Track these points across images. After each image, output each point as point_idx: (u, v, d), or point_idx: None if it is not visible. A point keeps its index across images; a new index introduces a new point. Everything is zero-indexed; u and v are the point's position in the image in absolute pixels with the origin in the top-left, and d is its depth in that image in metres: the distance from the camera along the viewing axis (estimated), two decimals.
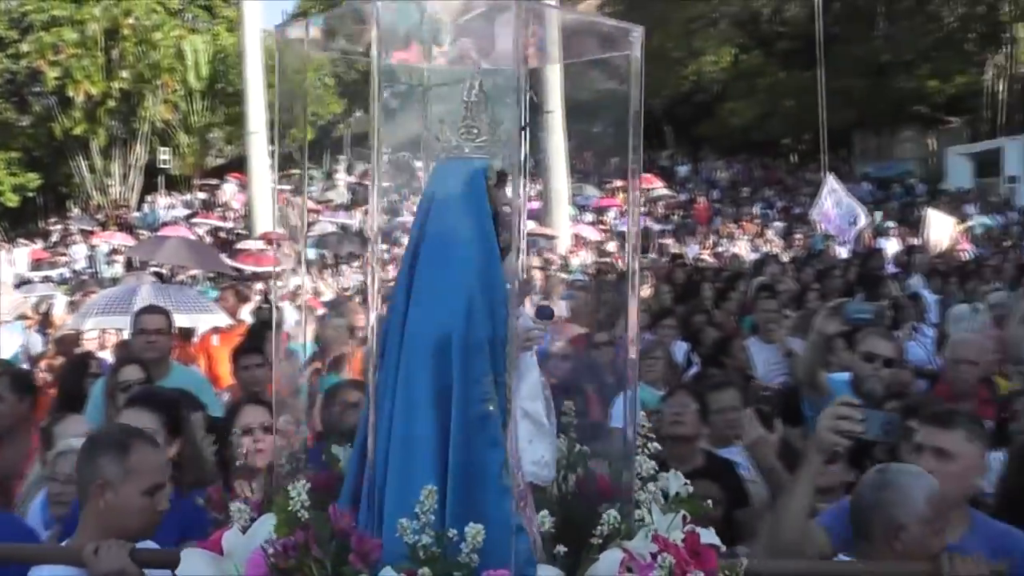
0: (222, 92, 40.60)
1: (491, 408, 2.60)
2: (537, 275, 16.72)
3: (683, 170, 43.52)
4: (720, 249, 25.24)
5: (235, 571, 2.64)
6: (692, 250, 26.16)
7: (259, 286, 16.10)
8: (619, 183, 38.66)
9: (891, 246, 21.87)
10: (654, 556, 2.71)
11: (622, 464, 2.97)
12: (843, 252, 20.53)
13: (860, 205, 22.34)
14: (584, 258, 24.02)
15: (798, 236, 26.37)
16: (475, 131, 2.70)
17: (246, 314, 12.19)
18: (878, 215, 28.61)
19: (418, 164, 3.09)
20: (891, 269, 17.33)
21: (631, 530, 2.77)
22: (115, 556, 3.37)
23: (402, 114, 3.04)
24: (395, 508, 2.53)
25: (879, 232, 24.59)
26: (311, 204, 34.41)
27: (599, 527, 2.68)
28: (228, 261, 19.99)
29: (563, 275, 17.64)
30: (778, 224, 31.17)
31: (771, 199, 38.24)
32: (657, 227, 31.08)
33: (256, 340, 8.36)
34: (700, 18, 43.99)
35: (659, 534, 2.84)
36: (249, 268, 19.30)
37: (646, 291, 13.15)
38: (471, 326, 2.60)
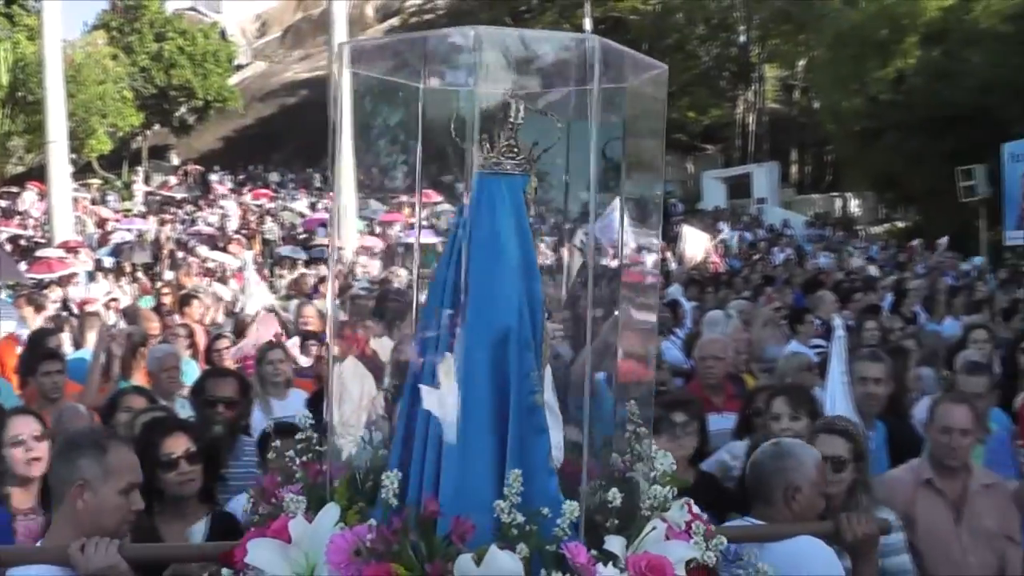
0: (22, 100, 39.51)
1: (537, 399, 2.68)
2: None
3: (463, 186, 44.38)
4: None
5: (304, 559, 2.62)
6: None
7: (56, 294, 15.65)
8: (404, 198, 39.90)
9: (649, 259, 23.29)
10: (688, 525, 2.86)
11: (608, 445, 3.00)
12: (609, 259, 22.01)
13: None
14: (370, 268, 24.45)
15: (566, 249, 27.71)
16: (516, 150, 2.77)
17: (40, 322, 11.69)
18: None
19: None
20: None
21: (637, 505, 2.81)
22: (104, 553, 3.27)
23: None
24: (454, 489, 2.60)
25: (642, 247, 25.92)
26: (109, 213, 34.52)
27: (647, 500, 2.78)
28: (24, 269, 19.25)
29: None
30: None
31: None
32: (439, 240, 31.64)
33: (42, 347, 8.29)
34: None
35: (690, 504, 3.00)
36: (45, 276, 18.71)
37: (424, 298, 13.70)
38: (522, 326, 2.70)
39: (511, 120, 2.79)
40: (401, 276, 19.44)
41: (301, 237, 30.78)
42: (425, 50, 3.06)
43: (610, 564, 2.56)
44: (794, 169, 50.04)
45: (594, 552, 2.55)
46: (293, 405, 7.40)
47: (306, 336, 9.80)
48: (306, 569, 2.60)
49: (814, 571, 3.56)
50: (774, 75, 50.88)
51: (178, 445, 4.53)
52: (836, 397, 5.85)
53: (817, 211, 41.15)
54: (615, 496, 2.66)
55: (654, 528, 2.73)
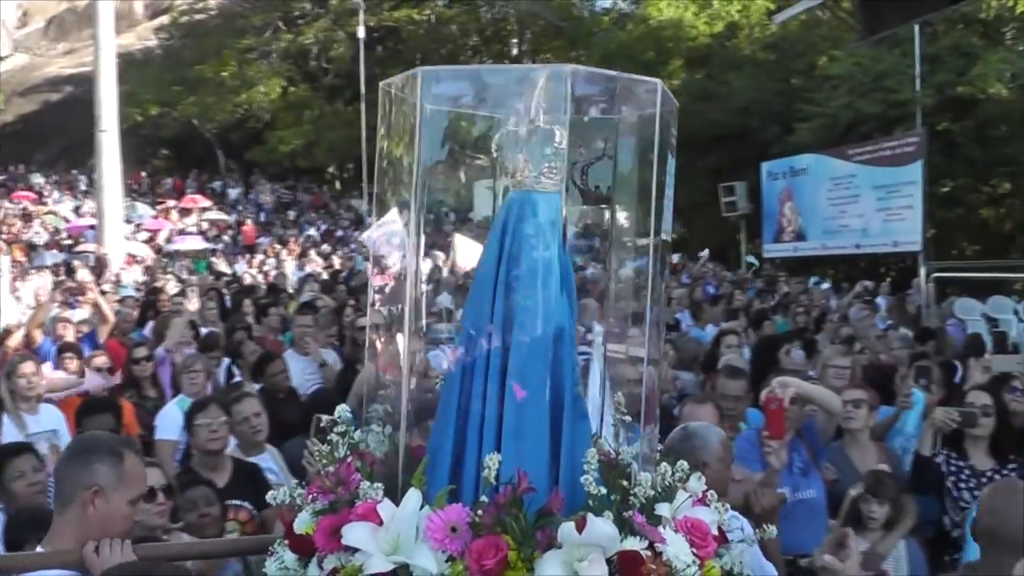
0: None
1: (580, 389, 3.05)
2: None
3: (234, 193, 43.84)
4: (266, 268, 25.77)
5: (394, 539, 2.77)
6: (240, 268, 26.60)
7: None
8: (171, 203, 39.05)
9: (424, 267, 23.48)
10: (704, 494, 3.13)
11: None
12: (389, 270, 22.01)
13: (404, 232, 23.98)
14: (136, 274, 24.02)
15: (338, 257, 27.59)
16: (555, 170, 3.01)
17: None
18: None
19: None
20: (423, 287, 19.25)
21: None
22: (120, 554, 3.30)
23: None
24: (514, 468, 2.79)
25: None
26: None
27: (676, 473, 3.06)
28: None
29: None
30: (324, 246, 32.21)
31: (316, 222, 39.45)
32: (209, 246, 31.54)
33: None
34: (253, 50, 44.57)
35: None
36: None
37: (194, 305, 13.49)
38: (571, 324, 3.05)
39: (556, 144, 3.01)
40: (170, 281, 19.22)
41: (66, 243, 29.78)
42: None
43: (666, 527, 2.87)
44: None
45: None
46: (46, 420, 7.20)
47: (63, 348, 9.39)
48: (392, 548, 2.75)
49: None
50: (541, 85, 51.54)
51: None
52: (596, 401, 5.99)
53: (587, 222, 42.13)
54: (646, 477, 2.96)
55: (688, 497, 3.03)
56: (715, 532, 3.01)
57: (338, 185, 50.80)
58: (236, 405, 6.54)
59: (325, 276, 22.02)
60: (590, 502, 2.76)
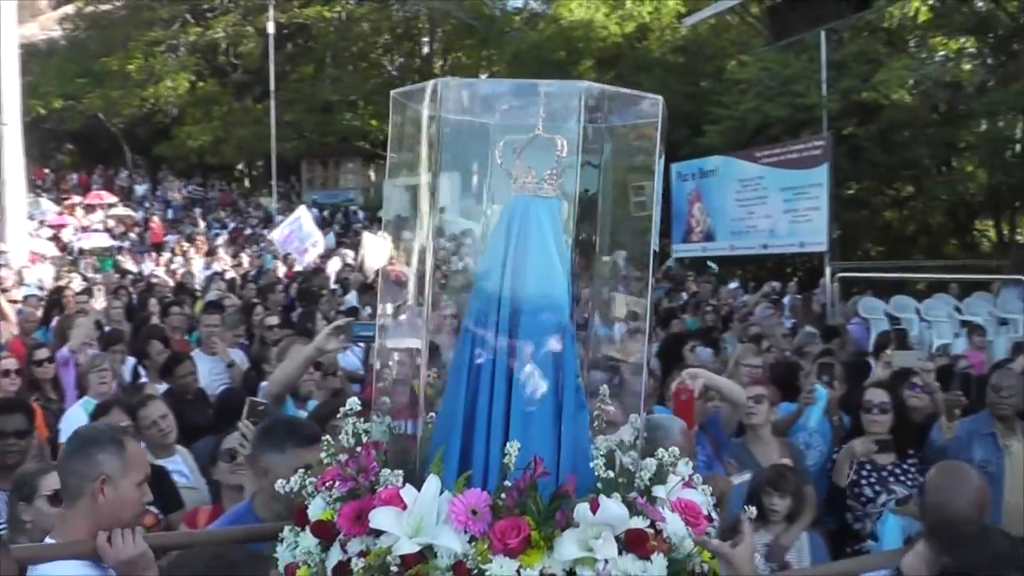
0: None
1: (580, 381, 3.29)
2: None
3: (141, 189, 43.18)
4: (174, 266, 25.22)
5: (417, 521, 2.95)
6: (147, 267, 26.23)
7: None
8: (76, 199, 38.31)
9: (333, 265, 23.28)
10: (690, 477, 3.43)
11: None
12: (297, 267, 21.98)
13: (318, 231, 24.01)
14: (40, 272, 23.56)
15: (247, 255, 27.21)
16: (556, 176, 3.25)
17: None
18: (330, 238, 30.24)
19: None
20: (332, 286, 19.07)
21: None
22: (132, 542, 3.42)
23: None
24: (523, 454, 3.02)
25: (326, 255, 25.76)
26: None
27: (667, 457, 3.32)
28: None
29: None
30: (236, 244, 31.65)
31: (224, 220, 38.91)
32: (115, 244, 31.03)
33: None
34: (160, 43, 43.86)
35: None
36: None
37: (100, 304, 13.26)
38: (572, 322, 3.30)
39: (558, 152, 3.26)
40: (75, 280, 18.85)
41: None
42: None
43: (664, 507, 3.14)
44: (475, 180, 51.05)
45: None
46: None
47: None
48: (415, 531, 2.95)
49: None
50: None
51: None
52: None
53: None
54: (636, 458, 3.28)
55: (679, 480, 3.32)
56: (706, 512, 3.29)
57: (247, 183, 50.30)
58: (142, 409, 6.47)
59: (233, 275, 21.80)
60: (599, 485, 3.06)
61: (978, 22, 26.14)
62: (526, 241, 3.25)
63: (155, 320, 12.23)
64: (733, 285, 23.79)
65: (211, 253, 27.81)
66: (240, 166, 50.35)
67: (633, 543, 2.96)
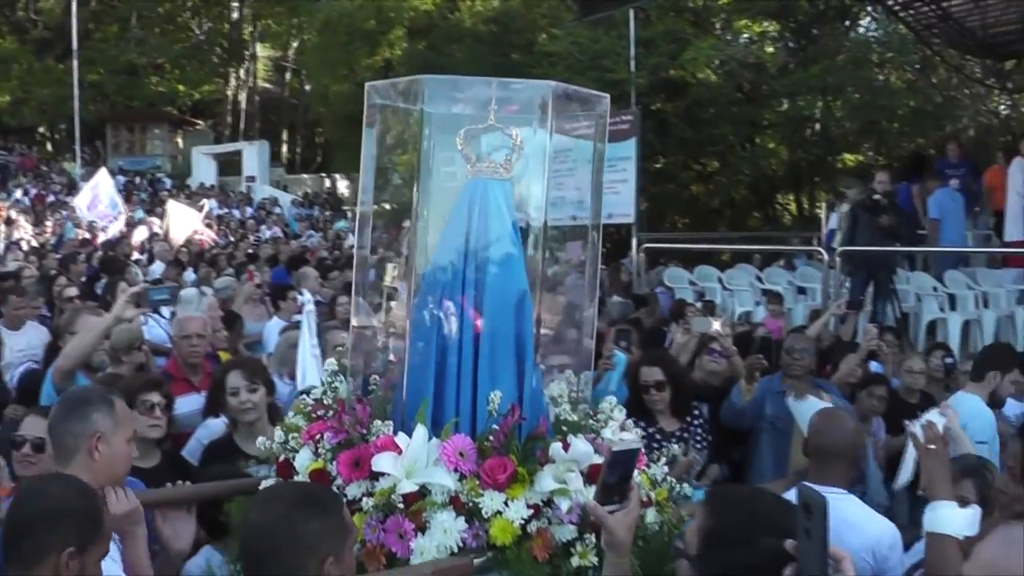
0: None
1: (533, 344, 3.70)
2: None
3: None
4: None
5: (413, 464, 3.36)
6: None
7: None
8: None
9: (139, 234, 22.48)
10: (624, 422, 4.01)
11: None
12: (102, 237, 21.22)
13: (121, 199, 23.30)
14: None
15: (49, 223, 26.33)
16: (511, 162, 3.73)
17: None
18: (139, 208, 29.56)
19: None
20: (137, 256, 18.50)
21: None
22: (125, 499, 3.59)
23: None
24: (485, 398, 3.50)
25: (132, 222, 24.99)
26: None
27: (607, 405, 4.00)
28: None
29: None
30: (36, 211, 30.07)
31: (25, 186, 37.09)
32: None
33: None
34: None
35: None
36: None
37: None
38: (529, 289, 3.71)
39: (514, 141, 3.76)
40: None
41: None
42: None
43: (614, 434, 3.78)
44: (285, 149, 50.59)
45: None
46: None
47: None
48: (410, 472, 3.36)
49: None
50: (267, 55, 51.10)
51: None
52: (307, 368, 6.12)
53: (306, 190, 41.73)
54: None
55: (618, 424, 3.93)
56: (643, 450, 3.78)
57: (50, 147, 48.38)
58: None
59: (34, 243, 21.19)
60: (563, 428, 3.60)
61: (780, 7, 27.14)
62: (486, 217, 3.68)
63: None
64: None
65: (10, 222, 26.66)
66: (42, 129, 48.61)
67: (594, 476, 3.33)
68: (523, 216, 3.87)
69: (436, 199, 3.94)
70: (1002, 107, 28.43)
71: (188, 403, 6.20)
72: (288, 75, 51.29)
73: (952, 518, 3.56)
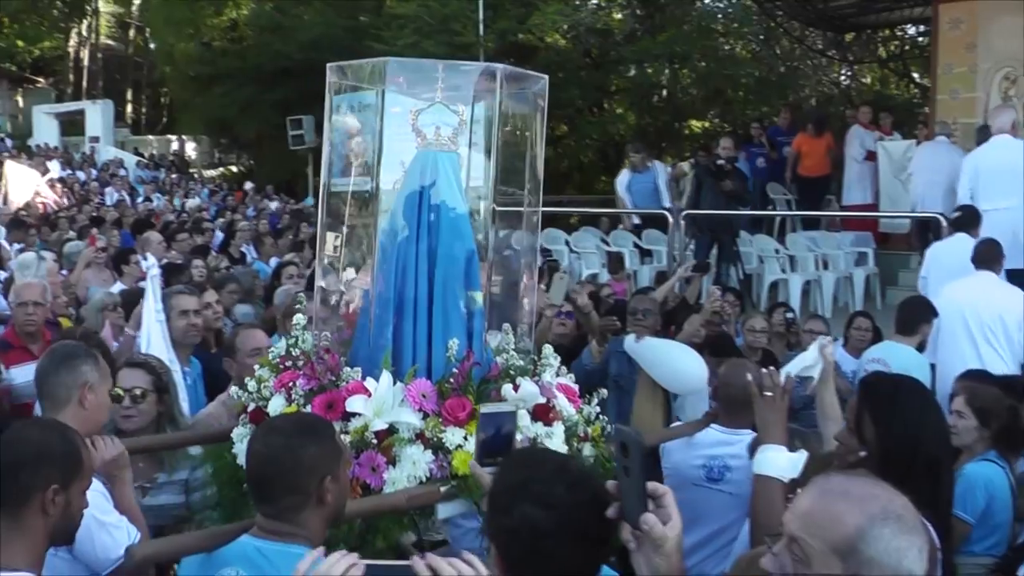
0: None
1: (478, 296, 4.11)
2: None
3: None
4: None
5: (381, 405, 3.73)
6: None
7: None
8: None
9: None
10: (559, 366, 4.44)
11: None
12: None
13: None
14: None
15: None
16: (459, 135, 4.12)
17: None
18: None
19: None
20: None
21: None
22: (112, 445, 3.84)
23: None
24: (441, 347, 3.90)
25: None
26: None
27: (546, 351, 4.38)
28: None
29: None
30: None
31: None
32: None
33: None
34: None
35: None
36: None
37: None
38: (476, 247, 4.12)
39: (460, 116, 4.15)
40: None
41: None
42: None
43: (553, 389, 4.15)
44: (130, 109, 49.35)
45: None
46: None
47: None
48: (378, 413, 3.74)
49: None
50: (110, 11, 49.60)
51: None
52: (151, 333, 6.10)
53: (152, 152, 40.84)
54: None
55: (555, 368, 4.34)
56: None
57: None
58: None
59: None
60: (511, 372, 4.01)
61: None
62: (437, 184, 4.06)
63: None
64: None
65: None
66: None
67: (540, 414, 3.95)
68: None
69: (390, 172, 4.32)
70: (843, 77, 29.49)
71: (27, 372, 6.07)
72: (132, 32, 49.89)
73: (777, 460, 3.92)
